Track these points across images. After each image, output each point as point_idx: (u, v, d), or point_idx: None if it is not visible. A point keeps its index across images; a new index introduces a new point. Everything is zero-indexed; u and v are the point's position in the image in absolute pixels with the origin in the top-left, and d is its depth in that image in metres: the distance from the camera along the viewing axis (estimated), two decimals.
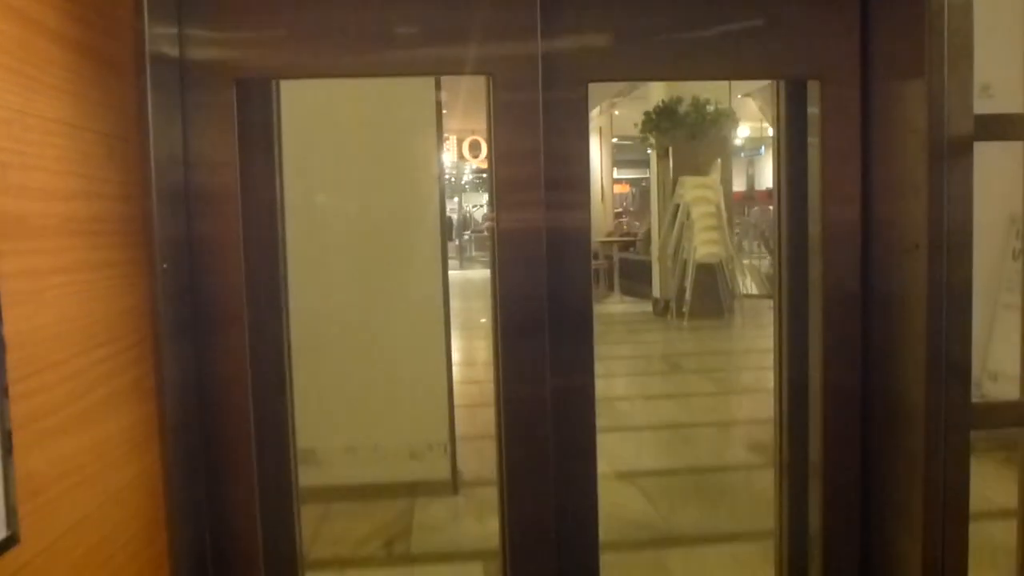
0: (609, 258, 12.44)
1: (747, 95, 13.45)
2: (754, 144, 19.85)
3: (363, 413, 3.65)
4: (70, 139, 1.44)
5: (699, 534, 3.67)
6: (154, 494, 1.67)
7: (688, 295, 9.40)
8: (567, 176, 1.80)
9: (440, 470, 3.78)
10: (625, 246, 12.81)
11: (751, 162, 21.64)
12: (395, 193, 3.44)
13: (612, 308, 11.32)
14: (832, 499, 1.92)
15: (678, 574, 3.25)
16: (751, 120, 17.12)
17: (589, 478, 1.90)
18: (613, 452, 4.46)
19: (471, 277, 15.98)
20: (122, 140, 1.60)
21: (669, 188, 9.73)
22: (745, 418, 5.27)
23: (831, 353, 1.89)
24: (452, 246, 17.77)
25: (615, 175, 18.23)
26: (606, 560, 1.90)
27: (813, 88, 1.88)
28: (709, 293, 9.50)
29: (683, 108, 9.49)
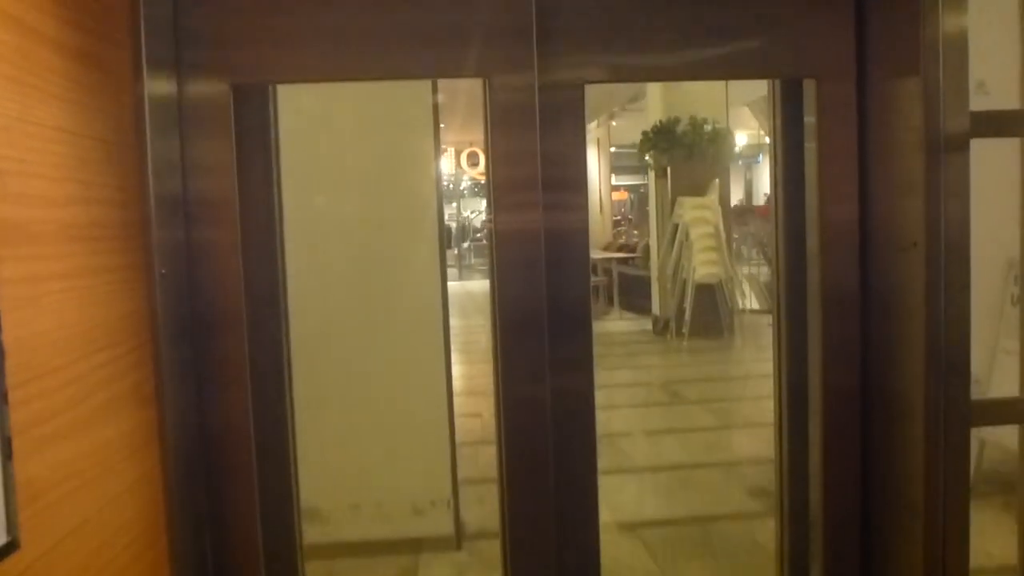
0: (608, 272, 12.39)
1: (744, 105, 13.46)
2: (752, 152, 19.86)
3: (364, 468, 3.59)
4: (69, 146, 1.44)
5: None
6: (154, 498, 1.67)
7: (688, 315, 9.39)
8: (564, 177, 1.81)
9: (443, 525, 3.72)
10: (624, 260, 12.76)
11: (748, 167, 21.64)
12: (392, 198, 3.39)
13: (612, 326, 11.14)
14: (832, 498, 1.92)
15: None
16: (748, 128, 17.14)
17: (589, 478, 1.90)
18: (615, 498, 4.37)
19: (471, 289, 15.65)
20: (120, 146, 1.61)
21: (667, 207, 9.72)
22: (746, 457, 5.19)
23: (830, 352, 1.89)
24: (451, 254, 17.63)
25: (613, 181, 18.21)
26: None
27: (809, 93, 1.89)
28: (709, 312, 9.47)
29: (681, 128, 9.48)
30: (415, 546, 3.74)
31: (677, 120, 9.53)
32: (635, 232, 15.78)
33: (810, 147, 1.90)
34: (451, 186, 19.74)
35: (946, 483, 1.71)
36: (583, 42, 1.80)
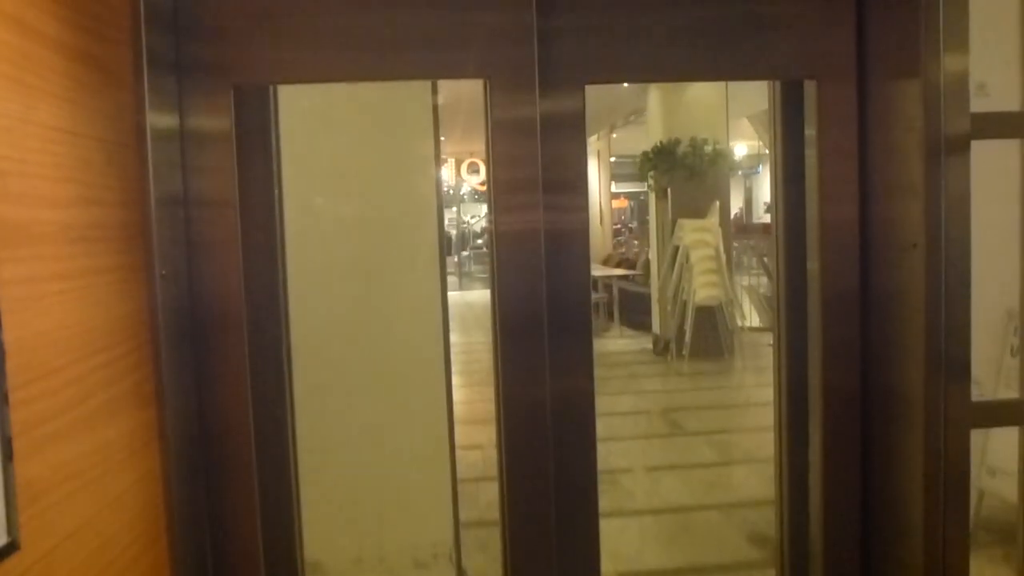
0: (609, 288, 12.34)
1: (744, 117, 13.46)
2: (751, 162, 19.88)
3: (364, 512, 3.45)
4: (69, 146, 1.45)
5: None
6: (154, 499, 1.67)
7: (688, 338, 9.38)
8: (564, 178, 1.81)
9: None
10: (624, 275, 12.71)
11: (748, 177, 21.66)
12: (392, 203, 3.26)
13: (612, 344, 10.96)
14: (832, 499, 1.92)
15: None
16: (748, 139, 17.14)
17: (589, 478, 1.90)
18: (615, 546, 4.29)
19: (471, 301, 15.29)
20: (121, 147, 1.61)
21: (668, 229, 9.72)
22: (747, 499, 5.13)
23: (830, 352, 1.89)
24: (450, 261, 17.47)
25: (613, 188, 18.17)
26: None
27: (810, 99, 1.89)
28: (709, 333, 9.46)
29: (681, 149, 9.48)
30: None
31: (677, 141, 9.53)
32: (635, 242, 15.74)
33: (810, 150, 1.91)
34: (451, 191, 19.71)
35: (946, 485, 1.70)
36: (583, 43, 1.80)
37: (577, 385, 1.86)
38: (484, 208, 19.52)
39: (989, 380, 3.27)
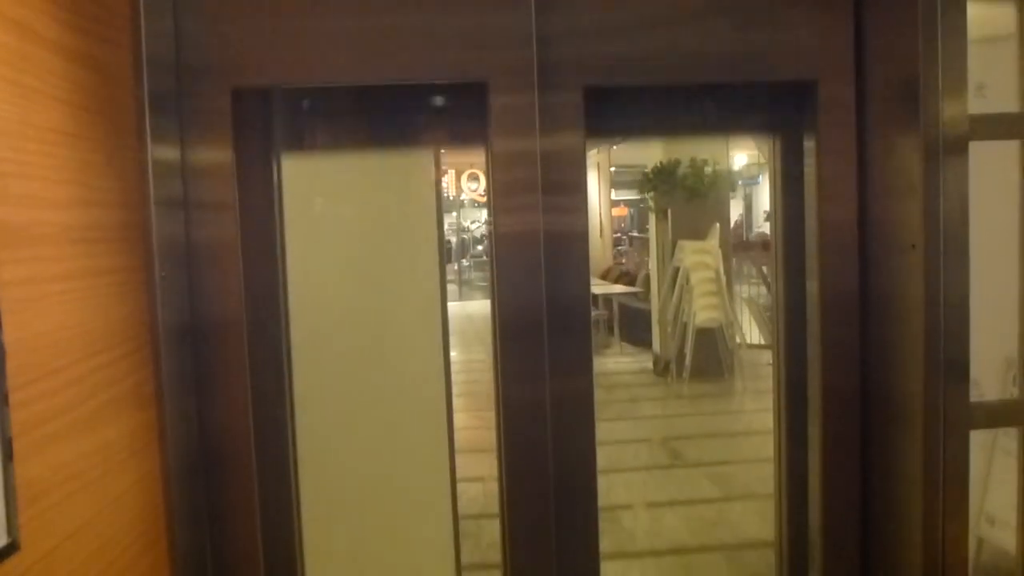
0: (609, 304, 12.27)
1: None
2: (751, 172, 19.88)
3: (363, 555, 3.16)
4: (69, 148, 1.45)
5: None
6: (154, 499, 1.67)
7: (688, 360, 9.37)
8: (564, 180, 1.81)
9: None
10: (625, 292, 12.61)
11: (747, 186, 21.66)
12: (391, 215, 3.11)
13: (613, 363, 10.73)
14: (832, 500, 1.92)
15: None
16: (748, 149, 17.14)
17: (589, 479, 1.90)
18: None
19: (472, 312, 14.75)
20: (121, 148, 1.61)
21: (668, 249, 9.71)
22: (749, 538, 5.07)
23: (829, 354, 1.89)
24: (451, 269, 17.29)
25: (613, 195, 18.11)
26: None
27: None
28: (710, 353, 9.44)
29: (681, 170, 9.46)
30: None
31: (677, 162, 9.52)
32: (636, 254, 15.65)
33: (809, 152, 1.91)
34: (451, 197, 19.65)
35: (945, 486, 1.71)
36: (582, 45, 1.81)
37: (576, 384, 1.87)
38: (484, 213, 19.42)
39: (988, 431, 3.25)
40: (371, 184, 2.10)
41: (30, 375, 1.30)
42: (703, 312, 9.29)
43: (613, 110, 2.01)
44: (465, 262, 19.81)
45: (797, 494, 2.04)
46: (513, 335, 1.82)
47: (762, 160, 17.65)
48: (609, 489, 5.57)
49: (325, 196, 2.08)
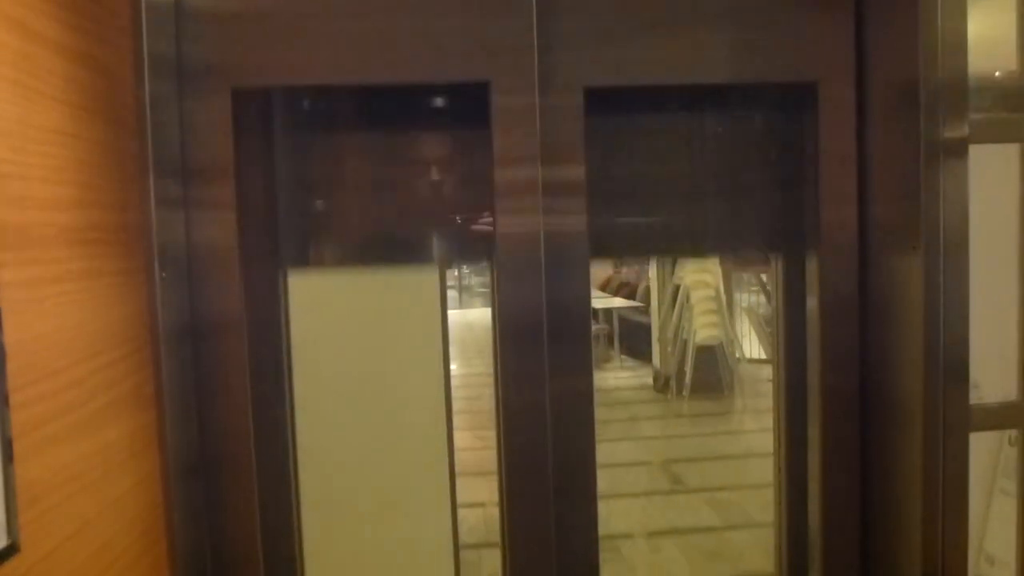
0: (609, 318, 12.20)
1: None
2: None
3: None
4: (70, 149, 1.45)
5: None
6: (154, 501, 1.67)
7: (688, 378, 9.37)
8: (564, 180, 1.81)
9: None
10: (626, 306, 12.51)
11: None
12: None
13: (613, 378, 10.65)
14: (832, 502, 1.92)
15: None
16: None
17: (589, 480, 1.90)
18: None
19: (472, 320, 14.58)
20: (121, 149, 1.61)
21: (669, 267, 9.68)
22: (751, 572, 5.05)
23: (829, 356, 1.89)
24: (450, 275, 17.13)
25: None
26: None
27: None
28: (710, 370, 9.45)
29: None
30: None
31: None
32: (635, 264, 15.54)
33: (809, 153, 1.92)
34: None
35: (945, 488, 1.71)
36: (583, 45, 1.81)
37: (576, 386, 1.87)
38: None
39: (987, 471, 3.25)
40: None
41: (30, 376, 1.30)
42: (703, 330, 9.31)
43: (616, 238, 2.08)
44: (465, 268, 19.72)
45: (796, 497, 2.05)
46: (513, 336, 1.82)
47: None
48: (610, 516, 5.51)
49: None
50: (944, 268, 1.68)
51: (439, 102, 2.10)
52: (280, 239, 1.98)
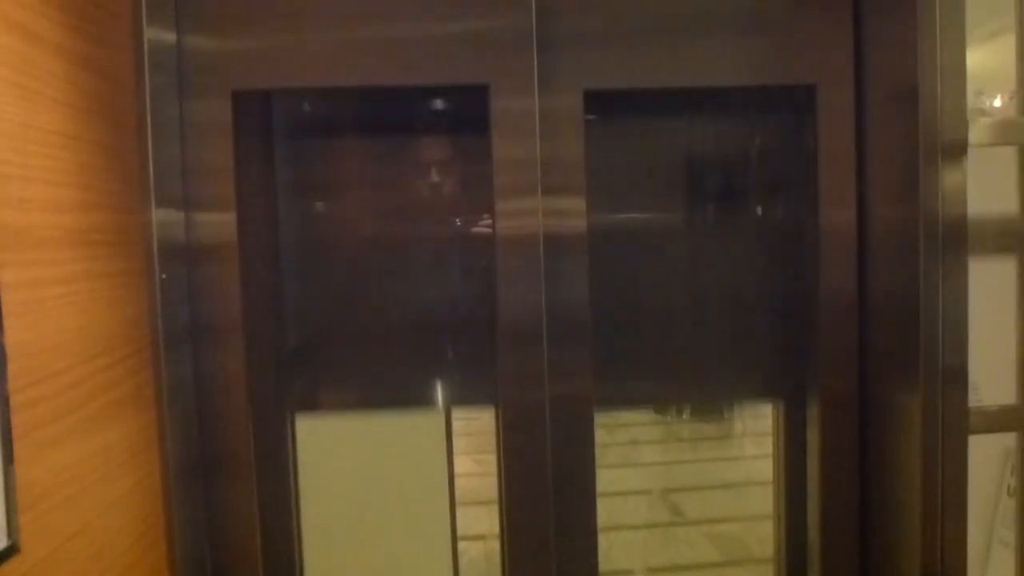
0: None
1: None
2: None
3: None
4: (71, 151, 1.45)
5: None
6: (153, 502, 1.67)
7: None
8: (564, 183, 1.81)
9: None
10: None
11: None
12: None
13: None
14: (831, 504, 1.92)
15: None
16: None
17: (588, 482, 1.90)
18: None
19: None
20: (121, 151, 1.62)
21: None
22: None
23: (828, 358, 1.90)
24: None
25: None
26: None
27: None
28: None
29: None
30: None
31: None
32: None
33: (809, 155, 1.92)
34: None
35: (944, 491, 1.71)
36: (582, 48, 1.81)
37: (576, 388, 1.87)
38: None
39: (986, 521, 3.24)
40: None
41: (31, 378, 1.30)
42: None
43: (613, 386, 2.08)
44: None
45: (796, 499, 2.05)
46: (513, 339, 1.82)
47: None
48: (610, 550, 5.40)
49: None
50: (943, 271, 1.68)
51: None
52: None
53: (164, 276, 1.66)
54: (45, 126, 1.38)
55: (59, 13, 1.43)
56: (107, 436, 1.53)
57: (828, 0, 1.85)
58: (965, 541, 1.73)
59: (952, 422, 1.70)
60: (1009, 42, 1.87)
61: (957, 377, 1.70)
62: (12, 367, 1.24)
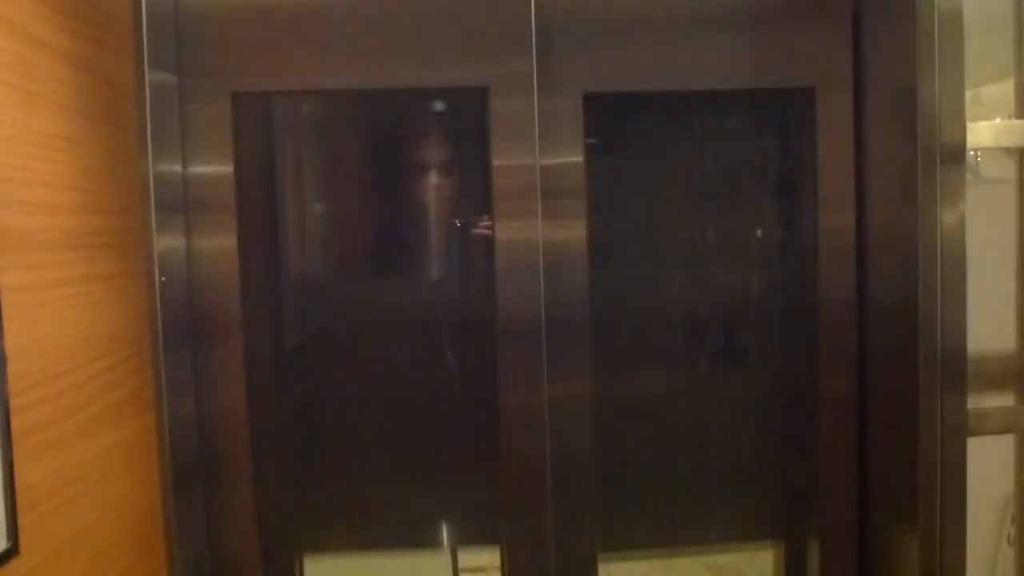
0: None
1: None
2: None
3: None
4: (71, 154, 1.46)
5: None
6: (152, 505, 1.68)
7: None
8: (563, 187, 1.81)
9: None
10: None
11: None
12: None
13: None
14: (830, 506, 1.92)
15: None
16: None
17: (588, 484, 1.90)
18: None
19: None
20: (122, 154, 1.62)
21: None
22: None
23: (828, 360, 1.90)
24: None
25: None
26: None
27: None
28: None
29: None
30: None
31: None
32: None
33: (808, 158, 1.92)
34: None
35: (943, 494, 1.71)
36: (582, 52, 1.81)
37: (575, 391, 1.87)
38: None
39: (986, 569, 3.24)
40: None
41: (31, 380, 1.31)
42: None
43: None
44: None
45: (796, 502, 2.05)
46: (512, 342, 1.82)
47: None
48: None
49: None
50: (942, 273, 1.68)
51: None
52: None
53: (164, 279, 1.66)
54: (47, 129, 1.38)
55: (60, 16, 1.44)
56: (107, 438, 1.53)
57: (827, 3, 1.85)
58: (965, 541, 1.73)
59: (951, 424, 1.70)
60: None
61: (956, 379, 1.70)
62: (12, 369, 1.24)
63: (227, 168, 1.74)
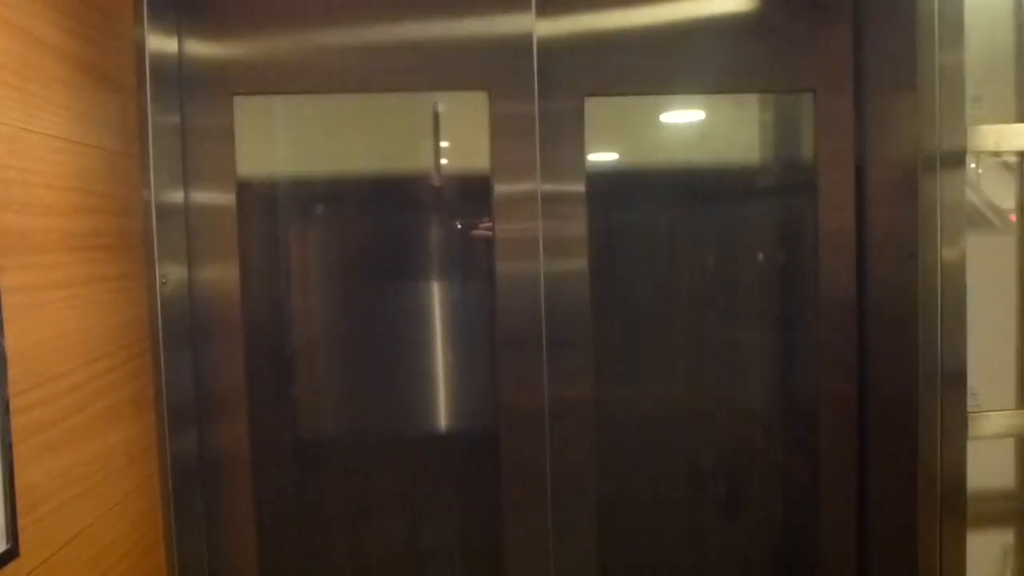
0: None
1: None
2: None
3: None
4: (72, 155, 1.45)
5: None
6: (152, 505, 1.67)
7: None
8: (563, 190, 1.82)
9: None
10: None
11: None
12: None
13: None
14: (830, 507, 1.92)
15: None
16: None
17: (587, 487, 1.90)
18: None
19: None
20: (123, 155, 1.62)
21: None
22: None
23: (828, 361, 1.90)
24: None
25: None
26: None
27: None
28: None
29: None
30: None
31: None
32: None
33: (808, 161, 1.92)
34: None
35: (942, 495, 1.71)
36: (582, 55, 1.82)
37: (575, 393, 1.87)
38: None
39: None
40: None
41: (31, 381, 1.30)
42: None
43: None
44: None
45: (795, 504, 2.05)
46: (512, 344, 1.82)
47: None
48: None
49: None
50: (942, 275, 1.68)
51: None
52: None
53: (164, 280, 1.66)
54: (47, 130, 1.38)
55: (61, 18, 1.43)
56: (107, 439, 1.53)
57: (828, 7, 1.85)
58: (964, 541, 1.73)
59: (951, 424, 1.70)
60: None
61: (955, 380, 1.70)
62: (12, 370, 1.24)
63: (228, 168, 1.74)
